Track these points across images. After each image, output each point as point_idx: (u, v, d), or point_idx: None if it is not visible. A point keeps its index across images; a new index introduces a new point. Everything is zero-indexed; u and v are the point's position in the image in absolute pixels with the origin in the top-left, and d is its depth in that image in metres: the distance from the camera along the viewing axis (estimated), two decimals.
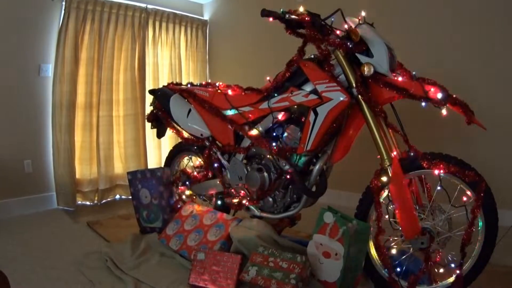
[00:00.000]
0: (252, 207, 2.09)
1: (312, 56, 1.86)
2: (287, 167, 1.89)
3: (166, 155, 2.75)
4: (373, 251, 1.71)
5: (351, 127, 1.82)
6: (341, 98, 1.67)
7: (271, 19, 1.73)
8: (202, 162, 2.43)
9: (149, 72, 3.83)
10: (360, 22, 1.73)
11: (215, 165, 2.25)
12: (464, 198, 1.55)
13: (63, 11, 3.18)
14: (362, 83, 1.65)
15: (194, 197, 2.54)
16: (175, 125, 2.40)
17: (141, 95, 3.65)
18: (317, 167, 1.86)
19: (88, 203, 3.43)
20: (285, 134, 1.95)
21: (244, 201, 2.08)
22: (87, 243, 2.39)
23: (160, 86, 2.70)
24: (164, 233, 2.26)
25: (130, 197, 2.68)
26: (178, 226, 2.24)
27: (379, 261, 1.68)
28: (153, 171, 2.55)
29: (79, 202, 3.37)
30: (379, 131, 1.66)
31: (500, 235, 1.50)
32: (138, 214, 2.60)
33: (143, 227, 2.58)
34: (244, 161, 2.10)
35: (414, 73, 1.72)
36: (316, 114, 1.73)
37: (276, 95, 1.91)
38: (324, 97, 1.71)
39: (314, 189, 1.91)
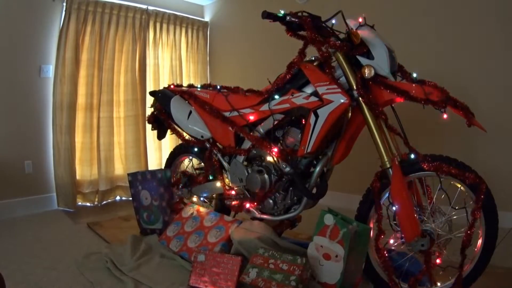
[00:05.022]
0: (252, 209, 2.08)
1: (313, 58, 1.86)
2: (287, 169, 1.89)
3: (167, 156, 2.75)
4: (373, 253, 1.71)
5: (351, 129, 1.82)
6: (342, 100, 1.67)
7: (271, 21, 1.73)
8: (202, 163, 2.43)
9: (149, 73, 3.84)
10: (361, 24, 1.73)
11: (216, 167, 2.25)
12: (465, 200, 1.55)
13: (63, 12, 3.19)
14: (362, 85, 1.65)
15: (195, 199, 2.54)
16: (175, 126, 2.41)
17: (141, 96, 3.66)
18: (317, 169, 1.86)
19: (88, 204, 3.43)
20: (286, 136, 1.95)
21: (244, 203, 2.08)
22: (87, 244, 2.39)
23: (161, 87, 2.71)
24: (164, 234, 2.27)
25: (131, 198, 2.69)
26: (178, 227, 2.24)
27: (379, 263, 1.68)
28: (153, 172, 2.55)
29: (79, 203, 3.38)
30: (380, 133, 1.66)
31: (500, 237, 1.50)
32: (139, 216, 2.60)
33: (144, 229, 2.58)
34: (245, 163, 2.09)
35: (414, 75, 1.72)
36: (316, 116, 1.73)
37: (276, 97, 1.91)
38: (325, 99, 1.71)
39: (314, 191, 1.91)
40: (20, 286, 1.80)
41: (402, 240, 1.63)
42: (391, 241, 1.71)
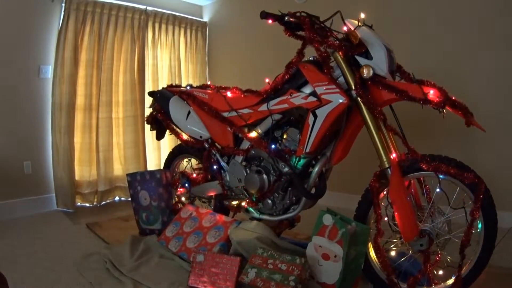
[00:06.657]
0: (251, 209, 2.08)
1: (312, 58, 1.86)
2: (286, 169, 1.89)
3: (166, 157, 2.75)
4: (372, 253, 1.71)
5: (350, 129, 1.82)
6: (340, 100, 1.67)
7: (270, 21, 1.73)
8: (201, 164, 2.43)
9: (148, 74, 3.83)
10: (360, 24, 1.73)
11: (214, 167, 2.25)
12: (464, 200, 1.55)
13: (62, 13, 3.19)
14: (361, 85, 1.65)
15: (194, 199, 2.54)
16: (174, 127, 2.40)
17: (140, 97, 3.66)
18: (316, 169, 1.86)
19: (87, 204, 3.43)
20: (284, 136, 1.95)
21: (243, 203, 2.08)
22: (86, 245, 2.39)
23: (160, 88, 2.71)
24: (163, 235, 2.26)
25: (130, 199, 2.69)
26: (177, 228, 2.24)
27: (378, 263, 1.68)
28: (152, 173, 2.55)
29: (79, 204, 3.37)
30: (378, 133, 1.66)
31: (499, 236, 1.50)
32: (138, 216, 2.60)
33: (143, 229, 2.58)
34: (244, 163, 2.09)
35: (413, 75, 1.72)
36: (315, 116, 1.73)
37: (275, 97, 1.91)
38: (323, 99, 1.71)
39: (313, 191, 1.91)
40: (19, 286, 1.80)
41: (401, 240, 1.63)
42: (390, 241, 1.71)
